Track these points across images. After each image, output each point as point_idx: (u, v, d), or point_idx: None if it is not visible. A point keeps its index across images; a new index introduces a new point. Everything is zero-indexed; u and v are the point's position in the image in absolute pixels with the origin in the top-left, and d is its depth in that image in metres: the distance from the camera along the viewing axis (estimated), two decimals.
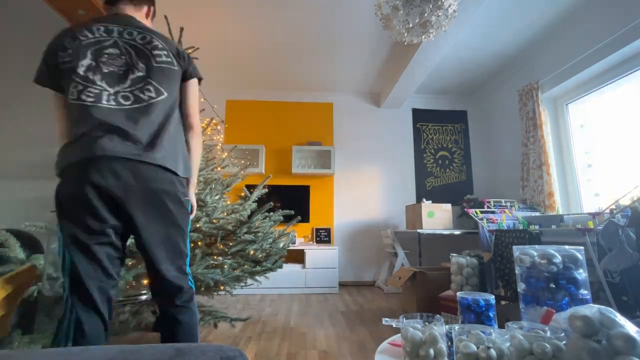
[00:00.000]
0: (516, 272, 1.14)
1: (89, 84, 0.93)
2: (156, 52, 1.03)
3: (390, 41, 3.19)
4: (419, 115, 4.39)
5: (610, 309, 0.76)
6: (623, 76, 2.49)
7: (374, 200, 4.15)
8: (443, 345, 0.86)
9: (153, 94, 0.99)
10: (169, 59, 1.05)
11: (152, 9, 1.20)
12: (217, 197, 2.09)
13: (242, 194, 2.31)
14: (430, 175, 4.27)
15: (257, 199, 2.32)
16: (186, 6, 2.70)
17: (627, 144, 2.54)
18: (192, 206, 1.11)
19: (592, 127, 2.88)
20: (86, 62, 0.94)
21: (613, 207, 1.70)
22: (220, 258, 2.01)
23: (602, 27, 2.49)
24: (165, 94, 1.01)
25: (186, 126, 1.12)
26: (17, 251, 1.33)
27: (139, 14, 1.14)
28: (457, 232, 3.47)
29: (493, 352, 0.78)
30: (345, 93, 4.34)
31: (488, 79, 3.97)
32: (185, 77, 1.11)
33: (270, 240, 2.20)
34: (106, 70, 0.96)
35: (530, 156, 3.09)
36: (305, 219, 3.93)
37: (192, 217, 1.12)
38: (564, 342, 0.75)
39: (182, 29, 2.37)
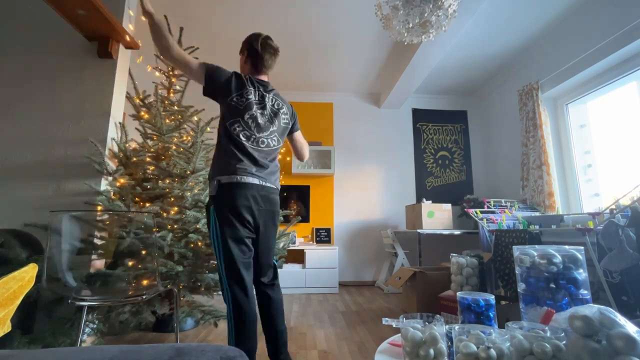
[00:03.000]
0: (516, 272, 1.14)
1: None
2: (282, 115, 1.60)
3: (390, 41, 3.19)
4: (419, 115, 4.39)
5: (610, 309, 0.76)
6: (623, 76, 2.49)
7: (374, 200, 4.15)
8: (443, 345, 0.86)
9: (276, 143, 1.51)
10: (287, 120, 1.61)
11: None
12: None
13: None
14: (430, 175, 4.27)
15: None
16: (186, 6, 2.70)
17: (627, 144, 2.54)
18: None
19: (592, 127, 2.88)
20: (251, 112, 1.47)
21: (613, 207, 1.70)
22: None
23: (602, 28, 2.50)
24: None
25: (302, 157, 1.73)
26: (17, 251, 1.33)
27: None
28: (457, 232, 3.47)
29: (493, 352, 0.77)
30: (345, 93, 4.34)
31: (488, 79, 3.97)
32: (292, 130, 1.66)
33: None
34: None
35: (530, 156, 3.09)
36: (305, 219, 3.93)
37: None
38: (564, 342, 0.75)
39: (181, 29, 2.37)
